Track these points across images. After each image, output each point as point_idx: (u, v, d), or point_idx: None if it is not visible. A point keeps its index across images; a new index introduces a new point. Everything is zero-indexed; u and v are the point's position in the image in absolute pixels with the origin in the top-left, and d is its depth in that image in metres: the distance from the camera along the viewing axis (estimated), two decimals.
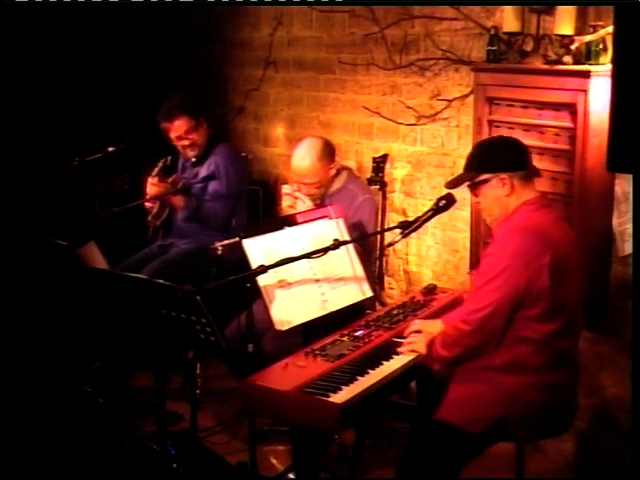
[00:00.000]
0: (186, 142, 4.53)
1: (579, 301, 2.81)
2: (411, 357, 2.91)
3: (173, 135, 4.51)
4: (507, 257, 2.67)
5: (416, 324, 3.05)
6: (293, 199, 3.77)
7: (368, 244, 3.91)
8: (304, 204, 3.73)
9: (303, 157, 3.80)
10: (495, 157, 2.82)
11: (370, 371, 2.77)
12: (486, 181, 2.80)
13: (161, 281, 2.91)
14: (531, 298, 2.65)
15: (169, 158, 4.56)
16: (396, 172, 4.49)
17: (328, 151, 3.85)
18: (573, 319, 2.78)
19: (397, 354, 2.92)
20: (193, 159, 4.62)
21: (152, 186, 4.46)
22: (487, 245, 3.58)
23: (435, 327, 2.96)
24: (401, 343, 2.97)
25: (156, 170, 4.51)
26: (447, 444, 2.70)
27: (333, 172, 3.87)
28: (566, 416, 2.88)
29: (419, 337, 2.95)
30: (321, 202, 3.84)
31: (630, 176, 2.77)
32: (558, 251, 2.69)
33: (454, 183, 2.96)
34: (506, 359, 2.71)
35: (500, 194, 2.79)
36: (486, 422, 2.68)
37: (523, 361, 2.70)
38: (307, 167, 3.79)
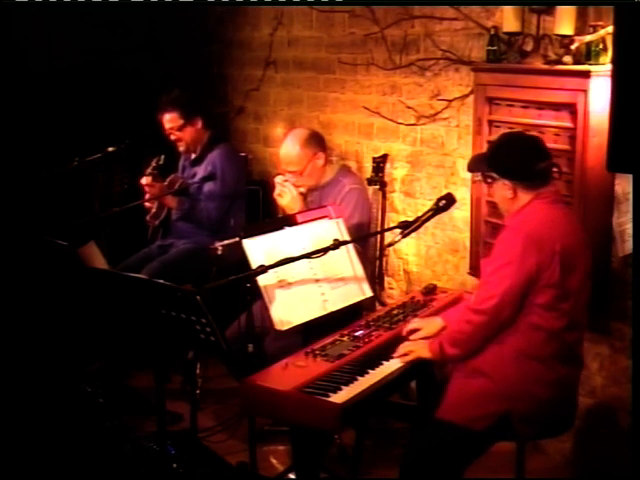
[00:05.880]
0: (174, 137, 4.56)
1: (586, 298, 2.82)
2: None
3: (165, 127, 4.53)
4: (518, 243, 2.68)
5: (415, 322, 3.05)
6: (281, 188, 3.85)
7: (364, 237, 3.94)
8: (289, 192, 3.81)
9: (288, 145, 3.90)
10: (503, 161, 2.83)
11: (370, 371, 2.77)
12: (494, 178, 2.83)
13: (161, 281, 2.92)
14: (541, 284, 2.66)
15: (162, 157, 4.55)
16: (396, 172, 4.49)
17: (313, 141, 3.92)
18: (579, 313, 2.79)
19: None
20: (192, 157, 4.63)
21: (146, 186, 4.46)
22: (488, 245, 3.59)
23: (434, 325, 2.97)
24: (399, 348, 2.91)
25: (149, 170, 4.51)
26: (452, 444, 2.70)
27: (320, 162, 3.91)
28: (567, 414, 2.88)
29: (419, 343, 2.92)
30: (307, 192, 3.93)
31: (630, 176, 2.77)
32: (568, 242, 2.70)
33: (471, 166, 3.04)
34: (516, 346, 2.70)
35: (505, 195, 2.82)
36: (490, 418, 2.68)
37: (533, 349, 2.69)
38: (291, 155, 3.87)
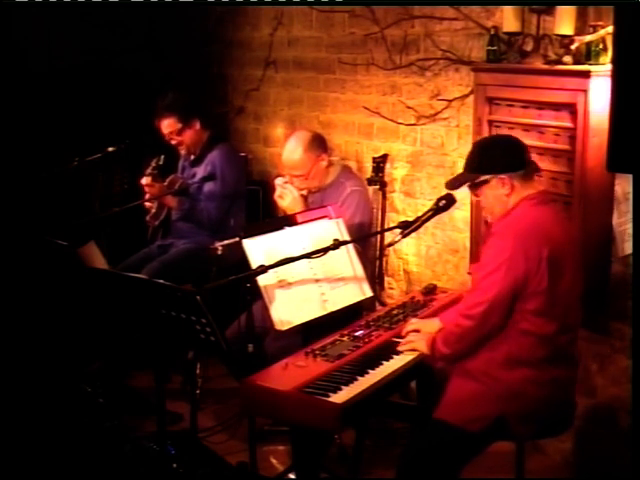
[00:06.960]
0: (174, 142, 4.56)
1: (577, 298, 2.82)
2: (411, 357, 2.91)
3: (164, 132, 4.53)
4: (506, 249, 2.69)
5: (413, 323, 3.05)
6: (282, 189, 3.84)
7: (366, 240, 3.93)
8: (291, 194, 3.80)
9: (291, 149, 3.88)
10: (494, 158, 2.82)
11: (370, 371, 2.77)
12: (486, 182, 2.81)
13: (161, 281, 2.92)
14: (529, 291, 2.67)
15: (162, 157, 4.54)
16: (396, 172, 4.50)
17: (316, 144, 3.90)
18: (571, 315, 2.79)
19: (397, 354, 2.92)
20: (192, 157, 4.63)
21: (146, 186, 4.46)
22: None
23: (433, 325, 2.97)
24: (400, 342, 2.97)
25: (149, 170, 4.50)
26: (448, 444, 2.70)
27: (324, 164, 3.91)
28: (565, 414, 2.88)
29: (419, 336, 2.96)
30: (308, 193, 3.91)
31: (630, 176, 2.77)
32: (556, 246, 2.70)
33: (454, 184, 2.96)
34: (507, 352, 2.71)
35: (501, 194, 2.80)
36: (486, 420, 2.69)
37: (524, 354, 2.70)
38: (295, 159, 3.86)
